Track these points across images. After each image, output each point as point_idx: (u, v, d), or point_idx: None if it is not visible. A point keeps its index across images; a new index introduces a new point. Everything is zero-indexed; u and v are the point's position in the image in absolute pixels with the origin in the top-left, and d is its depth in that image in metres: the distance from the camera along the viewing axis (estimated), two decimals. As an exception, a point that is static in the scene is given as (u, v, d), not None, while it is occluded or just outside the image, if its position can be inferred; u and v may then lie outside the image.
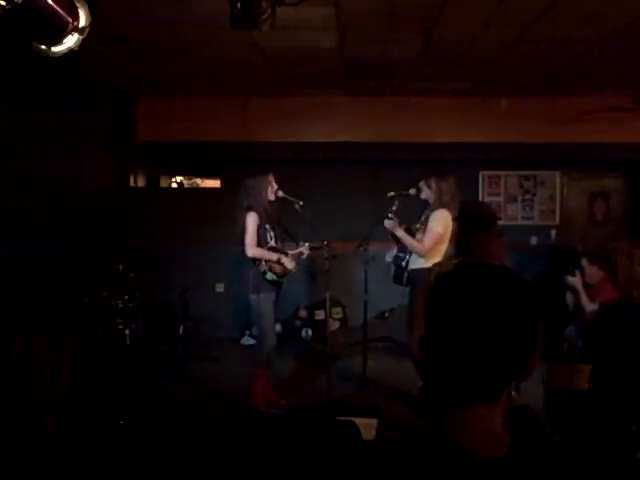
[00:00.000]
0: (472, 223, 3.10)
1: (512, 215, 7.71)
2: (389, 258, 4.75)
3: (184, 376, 5.57)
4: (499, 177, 7.75)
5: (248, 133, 7.05)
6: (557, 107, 6.93)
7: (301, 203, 4.67)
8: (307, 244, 4.75)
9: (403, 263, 4.64)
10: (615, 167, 7.70)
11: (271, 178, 4.62)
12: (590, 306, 4.98)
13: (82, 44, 2.37)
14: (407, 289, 4.70)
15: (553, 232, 7.70)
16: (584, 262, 5.18)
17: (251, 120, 7.05)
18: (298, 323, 7.27)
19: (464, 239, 3.14)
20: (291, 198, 4.66)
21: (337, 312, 7.26)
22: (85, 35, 2.35)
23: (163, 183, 9.39)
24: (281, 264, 4.52)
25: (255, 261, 4.53)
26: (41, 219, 5.30)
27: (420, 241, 4.55)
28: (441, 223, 4.48)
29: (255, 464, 2.17)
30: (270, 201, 4.60)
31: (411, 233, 4.66)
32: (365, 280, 5.00)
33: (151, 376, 5.26)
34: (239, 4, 3.20)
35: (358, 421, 2.22)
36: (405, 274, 4.64)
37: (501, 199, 7.71)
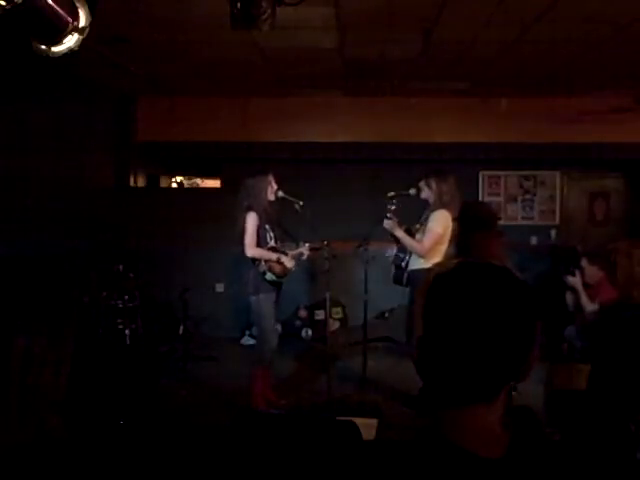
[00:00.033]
0: (472, 223, 3.11)
1: (512, 215, 7.71)
2: (389, 253, 4.75)
3: (184, 376, 5.57)
4: (499, 177, 7.75)
5: (248, 133, 7.05)
6: (557, 107, 6.93)
7: (301, 203, 4.66)
8: (307, 245, 4.74)
9: (403, 264, 4.64)
10: (615, 167, 7.70)
11: (271, 178, 4.61)
12: (590, 306, 4.99)
13: (82, 44, 2.37)
14: (407, 289, 4.70)
15: (553, 232, 7.70)
16: (584, 262, 5.19)
17: (251, 120, 7.05)
18: (298, 323, 7.27)
19: (464, 239, 3.15)
20: (291, 198, 4.66)
21: (337, 312, 7.26)
22: (85, 35, 2.35)
23: (163, 183, 9.40)
24: (281, 263, 4.52)
25: (254, 261, 4.53)
26: (41, 219, 5.30)
27: (420, 241, 4.55)
28: (441, 223, 4.48)
29: (255, 464, 2.18)
30: (270, 201, 4.60)
31: (411, 234, 4.66)
32: (365, 280, 5.00)
33: (151, 376, 5.26)
34: (239, 4, 3.20)
35: (358, 421, 2.21)
36: (405, 275, 4.64)
37: (501, 199, 7.71)
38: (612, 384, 2.88)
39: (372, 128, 7.06)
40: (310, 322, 7.26)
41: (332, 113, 7.06)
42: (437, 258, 4.39)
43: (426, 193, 4.61)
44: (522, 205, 7.75)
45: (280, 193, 4.62)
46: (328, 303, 4.69)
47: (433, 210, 4.55)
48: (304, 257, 4.78)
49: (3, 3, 1.98)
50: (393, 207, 4.65)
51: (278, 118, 7.04)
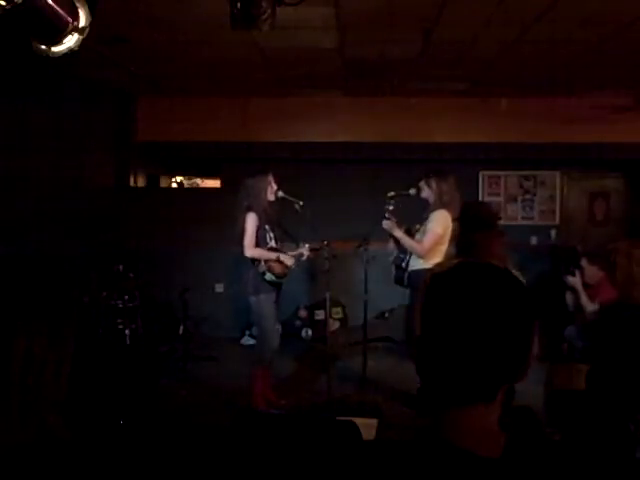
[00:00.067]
0: (473, 223, 3.11)
1: (512, 215, 7.71)
2: (391, 249, 4.73)
3: (184, 376, 5.57)
4: (499, 177, 7.75)
5: (248, 133, 7.05)
6: (557, 107, 6.93)
7: (301, 203, 4.66)
8: (307, 245, 4.74)
9: (403, 264, 4.64)
10: (615, 167, 7.70)
11: (271, 178, 4.61)
12: (590, 306, 4.99)
13: (82, 44, 2.37)
14: (407, 290, 4.70)
15: (553, 232, 7.70)
16: (584, 262, 5.19)
17: (251, 120, 7.05)
18: (298, 323, 7.27)
19: (465, 239, 3.15)
20: (291, 198, 4.65)
21: (337, 312, 7.26)
22: (85, 35, 2.35)
23: (163, 183, 9.39)
24: (280, 262, 4.51)
25: (254, 262, 4.52)
26: (41, 219, 5.30)
27: (419, 242, 4.54)
28: (440, 224, 4.48)
29: (255, 464, 2.17)
30: (270, 201, 4.60)
31: (411, 234, 4.65)
32: (365, 280, 5.00)
33: (151, 376, 5.26)
34: (239, 4, 3.20)
35: (358, 421, 2.21)
36: (406, 275, 4.64)
37: (501, 199, 7.71)
38: (612, 384, 2.88)
39: (372, 128, 7.06)
40: (310, 322, 7.26)
41: (332, 113, 7.06)
42: (437, 258, 4.39)
43: (426, 193, 4.61)
44: (522, 205, 7.75)
45: (280, 193, 4.62)
46: (328, 303, 4.69)
47: (433, 210, 4.55)
48: (304, 258, 4.78)
49: (3, 3, 1.98)
50: (391, 207, 4.64)
51: (278, 118, 7.04)
